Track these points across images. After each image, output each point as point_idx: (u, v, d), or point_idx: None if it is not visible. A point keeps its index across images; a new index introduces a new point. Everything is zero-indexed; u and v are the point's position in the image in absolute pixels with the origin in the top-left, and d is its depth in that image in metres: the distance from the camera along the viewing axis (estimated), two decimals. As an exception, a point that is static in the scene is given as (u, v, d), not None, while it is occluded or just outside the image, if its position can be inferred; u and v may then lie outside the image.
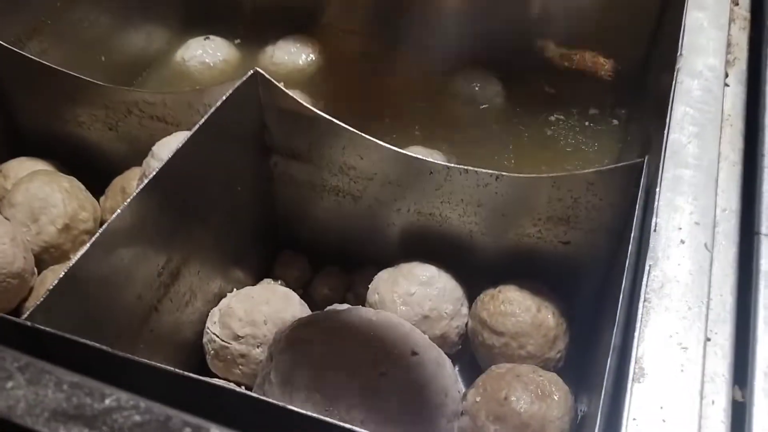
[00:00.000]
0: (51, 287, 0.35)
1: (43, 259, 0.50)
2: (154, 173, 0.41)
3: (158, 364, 0.31)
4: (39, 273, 0.49)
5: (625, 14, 0.63)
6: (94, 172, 0.57)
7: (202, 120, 0.43)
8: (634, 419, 0.28)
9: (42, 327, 0.32)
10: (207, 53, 0.71)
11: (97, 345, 0.31)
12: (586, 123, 0.66)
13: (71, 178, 0.53)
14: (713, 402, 0.29)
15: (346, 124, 0.47)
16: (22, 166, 0.56)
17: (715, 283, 0.32)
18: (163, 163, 0.41)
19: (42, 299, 0.34)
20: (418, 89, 0.68)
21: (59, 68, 0.52)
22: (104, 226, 0.38)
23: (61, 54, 0.62)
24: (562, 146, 0.64)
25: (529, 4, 0.68)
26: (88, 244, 0.37)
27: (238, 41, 0.75)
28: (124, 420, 0.19)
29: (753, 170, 0.36)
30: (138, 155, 0.54)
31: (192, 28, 0.76)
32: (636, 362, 0.29)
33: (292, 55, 0.72)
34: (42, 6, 0.60)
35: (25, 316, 0.34)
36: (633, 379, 0.29)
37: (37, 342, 0.33)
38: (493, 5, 0.67)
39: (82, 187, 0.54)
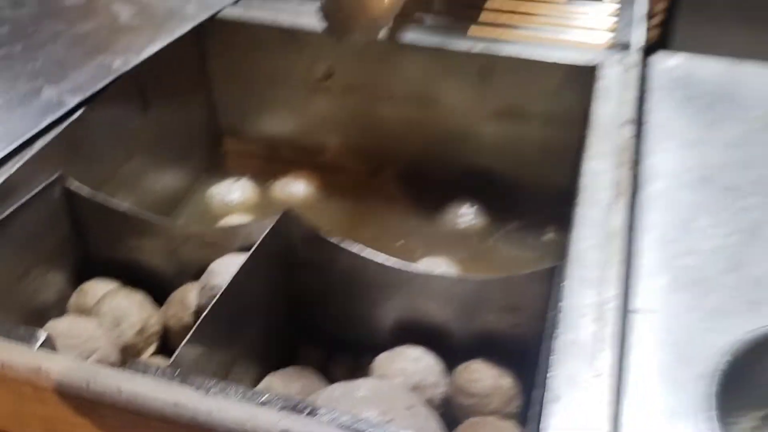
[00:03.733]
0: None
1: (123, 356, 0.66)
2: (222, 290, 0.58)
3: None
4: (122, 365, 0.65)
5: (556, 153, 0.83)
6: (152, 287, 0.73)
7: (253, 248, 0.61)
8: None
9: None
10: (231, 193, 0.90)
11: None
12: (530, 234, 0.85)
13: (142, 293, 0.70)
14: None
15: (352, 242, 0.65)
16: (97, 286, 0.72)
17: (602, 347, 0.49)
18: (227, 282, 0.58)
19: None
20: (408, 213, 0.88)
21: (132, 210, 0.70)
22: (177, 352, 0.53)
23: (123, 196, 0.80)
24: (514, 254, 0.83)
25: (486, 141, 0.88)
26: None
27: (245, 176, 0.94)
28: None
29: (630, 268, 0.54)
30: (191, 273, 0.71)
31: (212, 168, 0.96)
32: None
33: (298, 188, 0.91)
34: (111, 163, 0.79)
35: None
36: None
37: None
38: (456, 149, 0.88)
39: (149, 299, 0.70)
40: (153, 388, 0.37)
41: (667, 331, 0.49)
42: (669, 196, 0.60)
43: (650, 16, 1.02)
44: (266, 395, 0.37)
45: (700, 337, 0.48)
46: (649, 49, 1.01)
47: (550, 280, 0.59)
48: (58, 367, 0.37)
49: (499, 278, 0.62)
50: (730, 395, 0.43)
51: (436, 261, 0.78)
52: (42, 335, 0.40)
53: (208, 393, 0.37)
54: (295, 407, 0.36)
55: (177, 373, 0.38)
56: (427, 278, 0.64)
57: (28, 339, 0.40)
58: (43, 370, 0.37)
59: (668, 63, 0.75)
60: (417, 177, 0.92)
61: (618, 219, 0.58)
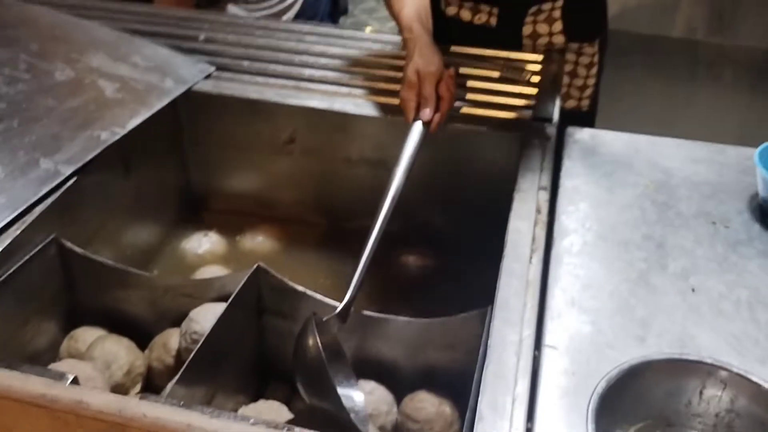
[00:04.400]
0: None
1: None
2: (205, 336, 0.67)
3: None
4: (112, 404, 0.74)
5: (489, 210, 0.96)
6: (135, 333, 0.82)
7: (230, 299, 0.71)
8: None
9: None
10: (201, 245, 1.00)
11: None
12: (470, 279, 0.97)
13: (128, 338, 0.79)
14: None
15: (312, 291, 0.76)
16: (87, 333, 0.81)
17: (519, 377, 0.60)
18: (207, 330, 0.69)
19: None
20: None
21: (118, 265, 0.80)
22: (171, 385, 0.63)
23: (106, 251, 0.89)
24: (455, 297, 0.95)
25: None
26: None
27: (214, 230, 1.04)
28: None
29: (542, 311, 0.67)
30: (170, 320, 0.81)
31: (185, 223, 1.06)
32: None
33: (264, 241, 1.02)
34: (96, 222, 0.88)
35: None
36: None
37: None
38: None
39: (134, 344, 0.79)
40: (170, 413, 0.47)
41: (568, 362, 0.61)
42: (574, 251, 0.73)
43: (583, 88, 1.18)
44: (253, 419, 0.47)
45: (594, 366, 0.60)
46: (582, 117, 1.16)
47: (480, 322, 0.71)
48: (96, 399, 0.47)
49: (439, 320, 0.74)
50: (611, 413, 0.55)
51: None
52: (70, 376, 0.50)
53: (212, 416, 0.47)
54: (276, 426, 0.47)
55: (181, 403, 0.48)
56: (378, 321, 0.75)
57: (60, 379, 0.49)
58: (84, 401, 0.46)
59: (577, 136, 0.89)
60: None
61: (533, 271, 0.70)
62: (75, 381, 0.49)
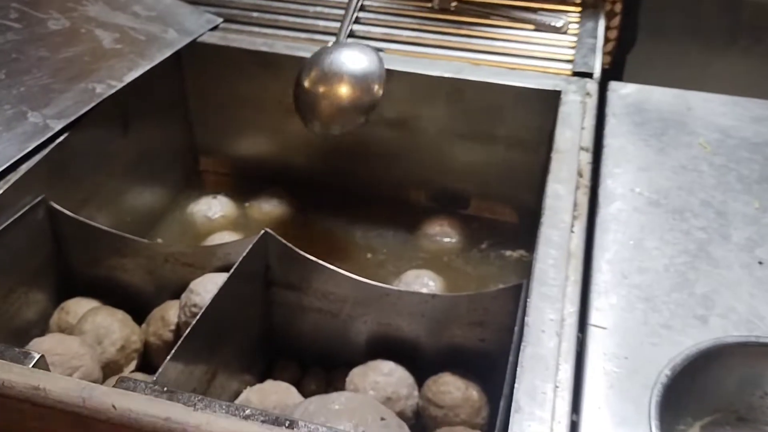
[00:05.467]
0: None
1: (104, 372, 0.68)
2: (204, 309, 0.60)
3: None
4: (103, 381, 0.67)
5: (521, 176, 0.88)
6: (132, 305, 0.75)
7: (233, 268, 0.63)
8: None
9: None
10: (211, 209, 0.92)
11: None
12: (500, 252, 0.89)
13: (123, 311, 0.72)
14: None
15: (327, 261, 0.68)
16: (79, 304, 0.74)
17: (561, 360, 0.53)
18: (207, 302, 0.61)
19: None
20: (381, 232, 0.91)
21: (114, 231, 0.72)
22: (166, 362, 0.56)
23: (104, 216, 0.82)
24: (482, 272, 0.87)
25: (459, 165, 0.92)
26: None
27: (221, 194, 0.97)
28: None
29: (587, 285, 0.59)
30: (170, 292, 0.74)
31: (189, 187, 0.99)
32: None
33: (275, 206, 0.94)
34: (92, 184, 0.81)
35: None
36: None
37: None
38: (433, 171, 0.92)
39: (130, 317, 0.72)
40: (145, 404, 0.39)
41: (619, 345, 0.53)
42: (622, 218, 0.64)
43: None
44: (248, 410, 0.40)
45: (648, 350, 0.52)
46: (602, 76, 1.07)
47: (514, 297, 0.63)
48: (56, 386, 0.40)
49: (467, 295, 0.66)
50: (675, 405, 0.47)
51: (419, 273, 0.81)
52: (36, 355, 0.42)
53: (195, 408, 0.40)
54: (275, 421, 0.39)
55: (165, 389, 0.41)
56: (398, 295, 0.67)
57: (23, 359, 0.42)
58: (41, 388, 0.39)
59: (622, 91, 0.80)
60: (389, 196, 0.96)
61: (576, 240, 0.62)
62: (40, 362, 0.42)
